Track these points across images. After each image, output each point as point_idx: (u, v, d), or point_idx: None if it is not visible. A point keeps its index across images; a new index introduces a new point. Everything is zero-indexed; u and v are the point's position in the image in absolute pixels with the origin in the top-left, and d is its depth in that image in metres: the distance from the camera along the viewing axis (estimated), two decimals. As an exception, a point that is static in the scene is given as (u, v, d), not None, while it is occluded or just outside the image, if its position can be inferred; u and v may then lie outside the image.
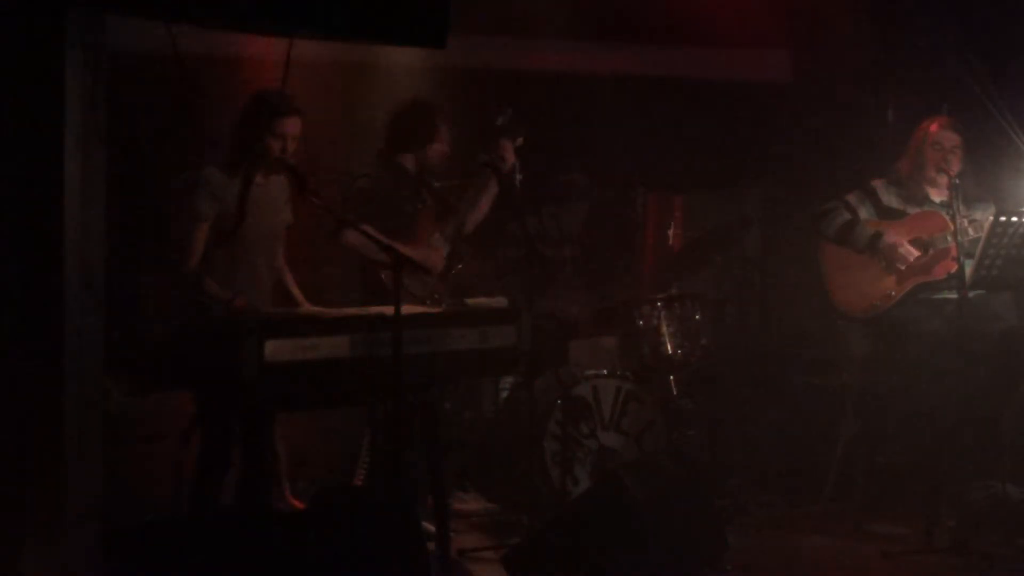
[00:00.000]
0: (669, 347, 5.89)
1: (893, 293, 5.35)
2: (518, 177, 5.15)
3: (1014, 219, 4.86)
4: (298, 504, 5.51)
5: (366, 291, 5.07)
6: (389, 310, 4.06)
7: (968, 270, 4.89)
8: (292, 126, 4.54)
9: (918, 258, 5.33)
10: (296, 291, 4.85)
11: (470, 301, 4.76)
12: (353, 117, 6.26)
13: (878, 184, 5.54)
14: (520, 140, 5.15)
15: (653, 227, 6.35)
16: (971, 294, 4.92)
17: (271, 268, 4.73)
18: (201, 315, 4.45)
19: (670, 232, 6.18)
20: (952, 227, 4.99)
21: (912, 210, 5.45)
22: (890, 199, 5.49)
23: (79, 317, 2.62)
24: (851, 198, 5.53)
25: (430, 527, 4.60)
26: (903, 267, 5.32)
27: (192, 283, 4.46)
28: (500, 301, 4.97)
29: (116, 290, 3.28)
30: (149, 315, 5.77)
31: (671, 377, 5.89)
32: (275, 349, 3.85)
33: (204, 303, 4.46)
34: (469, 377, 5.51)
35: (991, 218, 4.92)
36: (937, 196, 5.44)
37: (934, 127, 5.42)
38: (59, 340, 2.58)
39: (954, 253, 5.00)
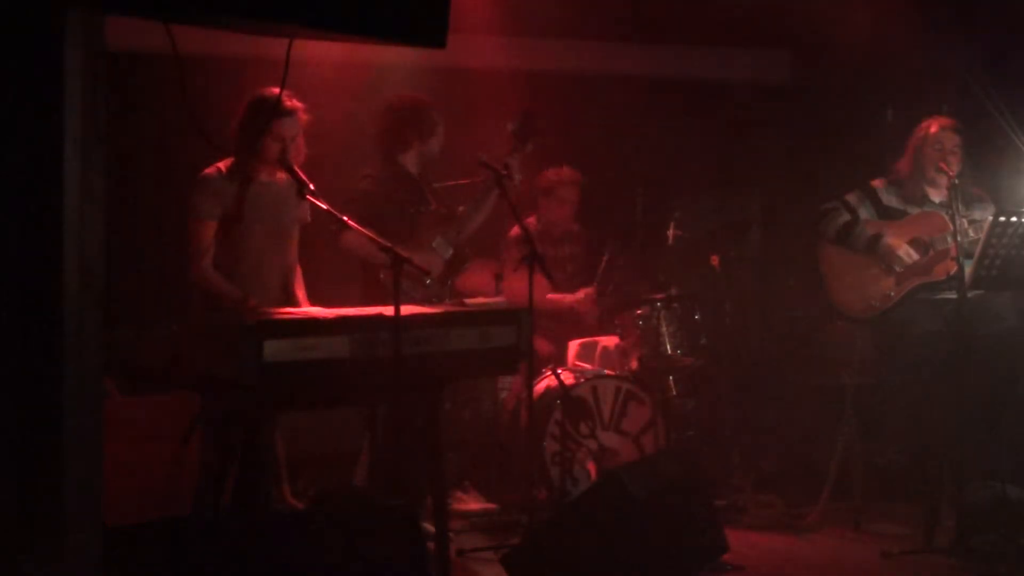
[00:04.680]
0: (669, 347, 5.89)
1: (892, 294, 5.35)
2: (517, 178, 5.14)
3: (1014, 219, 4.86)
4: (298, 504, 5.51)
5: (366, 293, 5.06)
6: (389, 310, 4.06)
7: (968, 270, 4.89)
8: (291, 127, 4.54)
9: (918, 260, 5.33)
10: (299, 292, 4.83)
11: (470, 301, 4.76)
12: (353, 118, 6.26)
13: (878, 184, 5.54)
14: (531, 146, 5.15)
15: (652, 227, 6.34)
16: (971, 294, 4.92)
17: (281, 267, 4.71)
18: (210, 314, 4.46)
19: (669, 232, 6.17)
20: (952, 227, 4.99)
21: (912, 210, 5.45)
22: (890, 199, 5.49)
23: (79, 316, 2.61)
24: (851, 198, 5.53)
25: (430, 527, 4.60)
26: (900, 269, 5.32)
27: (203, 283, 4.46)
28: (500, 301, 4.97)
29: (117, 290, 3.28)
30: (150, 315, 5.76)
31: (671, 377, 5.89)
32: (274, 349, 3.84)
33: (214, 302, 4.47)
34: (469, 377, 5.51)
35: (991, 218, 4.92)
36: (937, 196, 5.44)
37: (934, 127, 5.42)
38: (59, 339, 2.58)
39: (954, 253, 5.00)
